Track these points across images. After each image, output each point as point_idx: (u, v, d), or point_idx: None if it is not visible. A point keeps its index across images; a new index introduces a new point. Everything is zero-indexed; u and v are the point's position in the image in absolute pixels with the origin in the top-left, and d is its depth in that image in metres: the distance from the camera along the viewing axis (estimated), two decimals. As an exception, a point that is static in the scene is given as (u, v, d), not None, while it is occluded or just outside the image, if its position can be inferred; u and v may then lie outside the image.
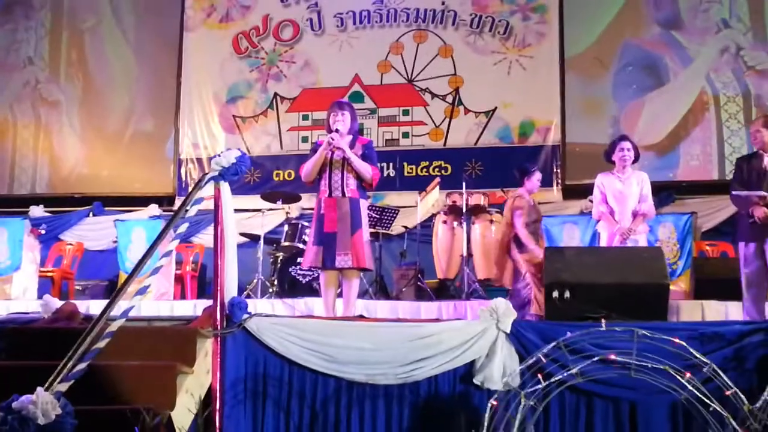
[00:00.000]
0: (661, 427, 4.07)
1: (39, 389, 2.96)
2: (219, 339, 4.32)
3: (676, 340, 3.44)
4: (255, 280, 8.10)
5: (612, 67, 10.14)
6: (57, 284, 8.91)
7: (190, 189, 4.43)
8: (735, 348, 4.01)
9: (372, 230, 8.30)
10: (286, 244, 8.27)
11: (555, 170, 9.96)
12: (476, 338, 4.25)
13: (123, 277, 8.43)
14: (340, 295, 5.88)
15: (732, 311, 6.41)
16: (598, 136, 9.66)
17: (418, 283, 8.03)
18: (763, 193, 5.64)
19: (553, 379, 3.62)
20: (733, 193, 5.88)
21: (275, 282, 8.00)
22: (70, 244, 9.69)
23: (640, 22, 10.21)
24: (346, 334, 4.37)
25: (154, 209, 10.27)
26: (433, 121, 10.45)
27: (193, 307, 7.12)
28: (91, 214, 10.59)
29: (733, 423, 3.00)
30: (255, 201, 9.20)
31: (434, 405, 4.30)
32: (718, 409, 3.04)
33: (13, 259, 8.49)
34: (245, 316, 4.39)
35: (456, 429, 4.20)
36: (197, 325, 4.42)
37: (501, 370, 4.16)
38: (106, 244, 9.90)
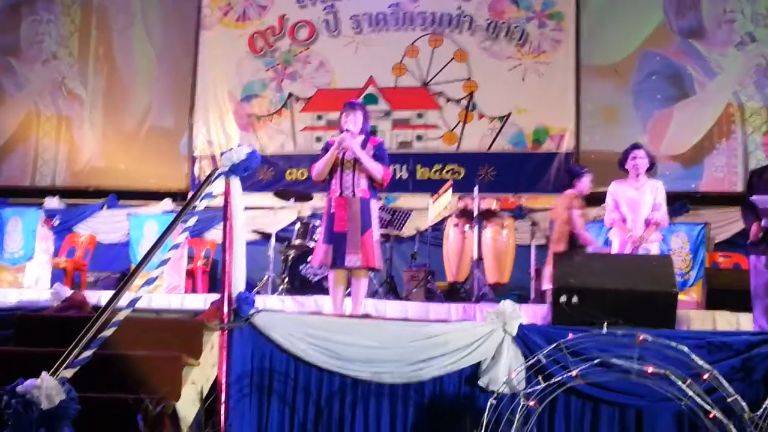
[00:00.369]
0: (666, 434, 4.06)
1: (44, 374, 2.98)
2: (225, 332, 4.35)
3: (676, 344, 3.41)
4: (266, 278, 8.12)
5: (631, 76, 10.08)
6: (69, 275, 8.98)
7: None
8: (743, 358, 3.98)
9: (384, 231, 8.32)
10: (298, 242, 8.29)
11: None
12: (483, 340, 4.25)
13: (143, 273, 8.46)
14: (349, 294, 5.90)
15: (743, 322, 6.36)
16: (614, 144, 9.58)
17: (428, 285, 8.03)
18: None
19: (552, 381, 3.60)
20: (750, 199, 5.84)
21: (286, 280, 8.01)
22: (84, 236, 9.75)
23: (660, 31, 10.14)
24: (353, 331, 4.38)
25: (167, 204, 10.32)
26: (446, 125, 10.44)
27: (203, 302, 7.15)
28: (105, 207, 10.64)
29: (734, 430, 2.98)
30: (267, 198, 9.25)
31: (439, 405, 4.30)
32: (719, 416, 3.03)
33: (26, 248, 8.57)
34: (252, 310, 4.41)
35: (460, 430, 4.19)
36: (204, 318, 4.44)
37: (507, 372, 4.15)
38: (119, 237, 9.94)
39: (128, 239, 9.11)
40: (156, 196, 10.57)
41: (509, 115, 10.28)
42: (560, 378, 3.68)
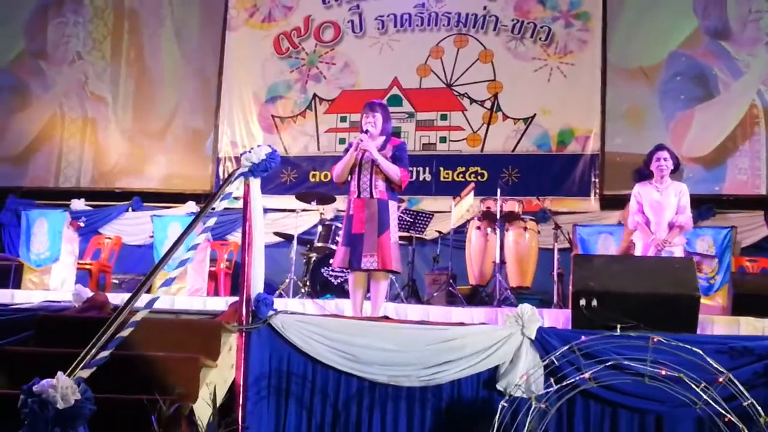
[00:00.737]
0: (687, 441, 4.00)
1: (59, 374, 3.00)
2: (244, 334, 4.36)
3: (690, 347, 3.36)
4: (287, 280, 8.13)
5: (658, 76, 9.97)
6: (94, 277, 9.05)
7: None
8: (765, 363, 3.91)
9: (405, 234, 8.31)
10: (320, 244, 8.28)
11: (593, 180, 9.84)
12: (501, 343, 4.22)
13: (162, 273, 8.52)
14: (369, 297, 5.89)
15: (769, 328, 6.26)
16: (640, 146, 9.48)
17: (450, 288, 7.99)
18: None
19: (564, 383, 3.56)
20: None
21: (307, 282, 8.02)
22: (109, 238, 9.85)
23: (687, 31, 10.03)
24: (370, 334, 4.37)
25: (191, 206, 10.38)
26: (470, 127, 10.39)
27: (225, 304, 7.14)
28: (130, 209, 10.74)
29: (750, 435, 2.94)
30: (290, 201, 9.27)
31: (457, 409, 4.27)
32: (734, 420, 2.97)
33: (52, 250, 8.66)
34: (270, 312, 4.42)
35: (477, 433, 4.16)
36: (223, 320, 4.45)
37: (526, 377, 4.11)
38: (144, 239, 10.02)
39: (152, 241, 9.16)
40: (181, 198, 10.64)
41: (534, 116, 10.21)
42: (573, 380, 3.63)
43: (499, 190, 8.06)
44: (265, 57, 11.16)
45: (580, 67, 10.17)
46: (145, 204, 10.74)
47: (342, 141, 10.52)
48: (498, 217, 7.99)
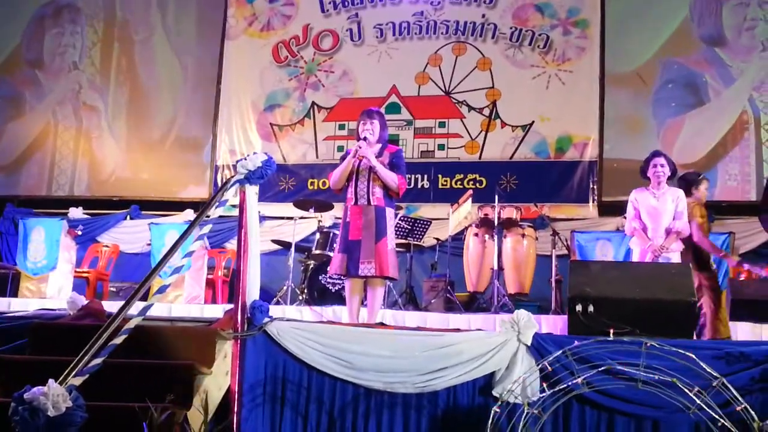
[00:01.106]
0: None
1: (51, 381, 2.98)
2: (239, 341, 4.34)
3: (683, 352, 3.35)
4: (285, 287, 8.12)
5: (654, 84, 10.00)
6: (92, 285, 9.05)
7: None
8: (762, 369, 3.89)
9: (403, 241, 8.30)
10: (317, 252, 8.28)
11: (591, 186, 9.84)
12: (497, 350, 4.20)
13: (158, 281, 8.52)
14: (366, 303, 5.87)
15: (767, 334, 6.26)
16: (637, 152, 9.50)
17: (448, 295, 7.98)
18: None
19: (557, 388, 3.54)
20: (762, 216, 5.78)
21: (305, 289, 8.01)
22: (106, 246, 9.85)
23: (683, 39, 10.05)
24: (366, 341, 4.35)
25: (189, 214, 10.37)
26: (469, 134, 10.40)
27: (222, 312, 7.15)
28: (128, 218, 10.74)
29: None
30: (288, 209, 9.26)
31: (452, 416, 4.25)
32: (728, 425, 2.96)
33: (49, 258, 8.66)
34: (266, 319, 4.41)
35: (473, 440, 4.14)
36: (218, 327, 4.43)
37: (521, 382, 4.09)
38: (141, 247, 10.01)
39: (150, 249, 9.15)
40: (179, 206, 10.64)
41: (532, 123, 10.22)
42: (566, 385, 3.62)
43: (497, 197, 8.06)
44: (263, 65, 11.18)
45: (578, 75, 10.19)
46: (143, 212, 10.73)
47: (341, 149, 10.53)
48: (496, 223, 7.98)
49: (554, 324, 6.71)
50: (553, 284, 7.91)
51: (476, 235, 8.28)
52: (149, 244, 9.26)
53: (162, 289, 4.06)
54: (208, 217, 4.22)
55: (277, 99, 11.06)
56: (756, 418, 3.13)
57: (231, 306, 4.58)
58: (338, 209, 8.76)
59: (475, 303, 8.16)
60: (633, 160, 9.18)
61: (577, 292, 4.49)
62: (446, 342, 4.29)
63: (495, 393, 4.15)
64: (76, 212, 10.59)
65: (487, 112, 10.42)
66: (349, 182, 5.64)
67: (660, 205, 6.26)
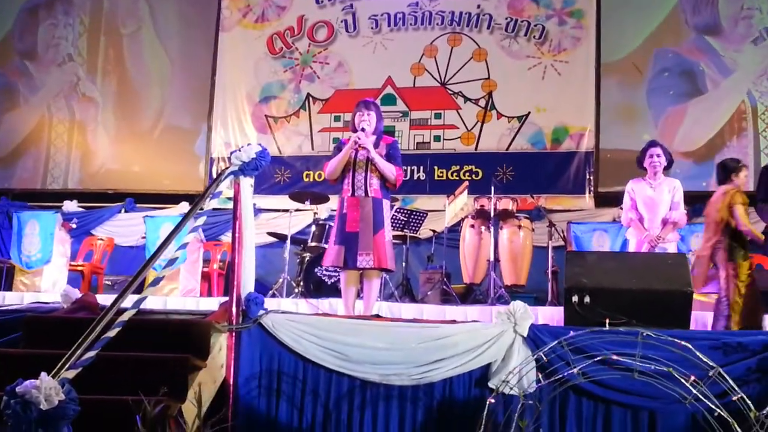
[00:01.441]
0: (681, 438, 3.97)
1: (43, 374, 2.96)
2: (234, 334, 4.32)
3: (680, 341, 3.34)
4: (281, 280, 8.10)
5: (647, 72, 9.98)
6: (87, 278, 9.01)
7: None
8: (759, 359, 3.88)
9: (400, 233, 8.28)
10: (313, 244, 8.26)
11: (588, 177, 9.82)
12: (492, 341, 4.18)
13: (152, 273, 8.49)
14: (361, 296, 5.85)
15: (764, 325, 6.23)
16: (632, 142, 9.50)
17: (444, 287, 7.96)
18: None
19: (552, 378, 3.53)
20: (759, 206, 5.77)
21: (301, 282, 7.99)
22: (101, 239, 9.80)
23: (677, 28, 10.05)
24: (361, 333, 4.33)
25: (185, 207, 10.32)
26: (465, 125, 10.37)
27: (217, 304, 7.13)
28: (123, 211, 10.70)
29: (739, 429, 2.91)
30: (284, 201, 9.23)
31: (448, 408, 4.23)
32: (724, 415, 2.95)
33: (44, 252, 8.61)
34: (261, 312, 4.38)
35: (470, 432, 4.13)
36: (213, 320, 4.41)
37: (517, 373, 4.08)
38: (136, 240, 9.98)
39: (145, 242, 9.11)
40: (173, 198, 10.60)
41: (528, 114, 10.19)
42: (562, 375, 3.60)
43: (493, 189, 8.03)
44: (258, 57, 11.14)
45: (574, 65, 10.17)
46: (138, 205, 10.69)
47: (336, 140, 10.45)
48: (492, 215, 7.96)
49: (551, 315, 6.69)
50: (550, 275, 7.89)
51: (472, 226, 8.26)
52: (144, 237, 9.22)
53: (156, 282, 4.04)
54: (202, 209, 4.19)
55: (272, 91, 11.02)
56: (753, 408, 3.11)
57: (226, 299, 4.56)
58: (334, 201, 8.74)
59: (471, 295, 8.15)
60: (628, 150, 9.20)
61: (574, 282, 4.48)
62: (442, 334, 4.27)
63: (491, 385, 4.13)
64: (71, 205, 10.54)
65: (482, 103, 10.39)
66: (346, 173, 5.59)
67: (656, 195, 6.25)
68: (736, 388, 3.15)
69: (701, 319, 6.55)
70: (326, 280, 7.94)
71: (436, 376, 4.20)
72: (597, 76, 10.07)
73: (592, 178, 9.81)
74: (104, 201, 10.90)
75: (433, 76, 10.59)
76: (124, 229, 10.33)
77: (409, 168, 10.05)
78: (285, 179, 10.58)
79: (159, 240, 8.74)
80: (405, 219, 8.38)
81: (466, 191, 8.45)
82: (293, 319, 4.43)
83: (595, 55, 10.13)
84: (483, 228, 8.15)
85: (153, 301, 7.09)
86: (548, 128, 10.10)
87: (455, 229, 8.72)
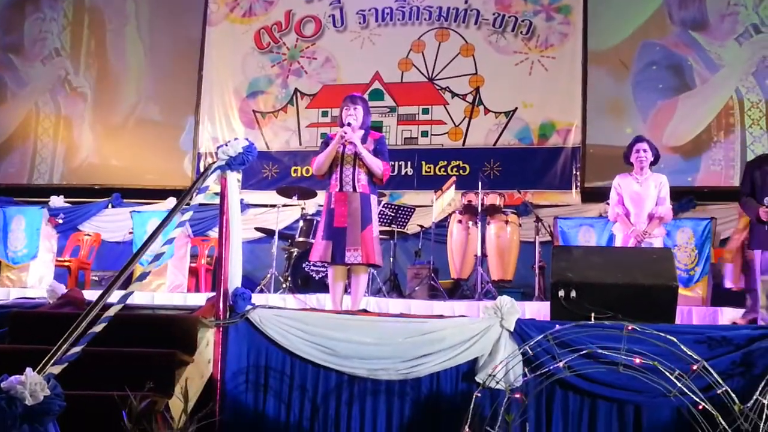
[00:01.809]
0: (666, 431, 3.99)
1: (28, 370, 2.95)
2: (221, 329, 4.32)
3: (664, 335, 3.36)
4: (269, 275, 8.09)
5: (633, 66, 10.01)
6: (74, 274, 8.98)
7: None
8: (743, 353, 3.91)
9: (387, 228, 8.29)
10: (301, 239, 8.25)
11: (574, 172, 9.85)
12: (480, 336, 4.19)
13: (138, 268, 8.46)
14: (349, 291, 5.85)
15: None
16: (619, 138, 9.55)
17: (432, 282, 7.98)
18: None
19: (538, 372, 3.55)
20: (742, 200, 5.82)
21: (288, 277, 7.99)
22: (88, 235, 9.76)
23: (663, 23, 10.06)
24: (349, 327, 4.33)
25: (172, 202, 10.28)
26: (452, 121, 10.38)
27: (205, 300, 7.12)
28: (110, 206, 10.66)
29: (723, 422, 2.93)
30: (271, 196, 9.22)
31: (436, 402, 4.24)
32: (708, 408, 2.97)
33: (30, 247, 8.55)
34: (248, 307, 4.38)
35: (457, 427, 4.14)
36: (200, 315, 4.41)
37: (504, 367, 4.09)
38: (123, 236, 9.93)
39: (132, 237, 9.07)
40: (160, 194, 10.56)
41: (515, 109, 10.21)
42: (548, 369, 3.62)
43: (480, 184, 8.05)
44: (245, 52, 11.10)
45: (561, 61, 10.18)
46: (125, 200, 10.65)
47: (324, 136, 10.42)
48: (479, 210, 7.98)
49: (538, 310, 6.72)
50: (537, 270, 7.92)
51: (460, 221, 8.28)
52: (131, 233, 9.16)
53: (142, 277, 4.03)
54: (188, 203, 4.18)
55: (259, 86, 11.00)
56: (737, 401, 3.14)
57: (213, 294, 4.56)
58: (322, 196, 8.72)
59: (458, 290, 8.16)
60: (614, 146, 9.24)
61: (560, 277, 4.49)
62: (429, 328, 4.28)
63: (478, 379, 4.15)
64: (57, 201, 10.48)
65: (470, 98, 10.40)
66: (334, 168, 5.59)
67: (643, 190, 6.28)
68: (721, 382, 3.18)
69: (687, 313, 6.60)
70: (314, 275, 7.94)
71: (423, 370, 4.21)
72: (584, 72, 10.08)
73: (578, 173, 9.83)
74: (90, 196, 10.85)
75: (420, 72, 10.58)
76: (111, 224, 10.28)
77: (396, 163, 10.06)
78: (273, 174, 10.56)
79: (146, 235, 8.70)
80: (392, 214, 8.39)
81: (453, 186, 8.46)
82: (280, 314, 4.43)
83: (582, 51, 10.15)
84: (470, 223, 8.18)
85: (140, 297, 7.07)
86: (535, 124, 10.12)
87: (443, 225, 8.73)
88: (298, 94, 10.86)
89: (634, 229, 6.16)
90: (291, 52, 10.99)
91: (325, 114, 10.70)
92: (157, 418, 3.56)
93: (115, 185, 10.92)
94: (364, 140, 5.63)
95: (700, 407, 3.16)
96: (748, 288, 6.18)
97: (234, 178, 4.50)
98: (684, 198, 9.01)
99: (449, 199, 8.47)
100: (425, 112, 10.49)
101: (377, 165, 5.53)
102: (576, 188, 9.81)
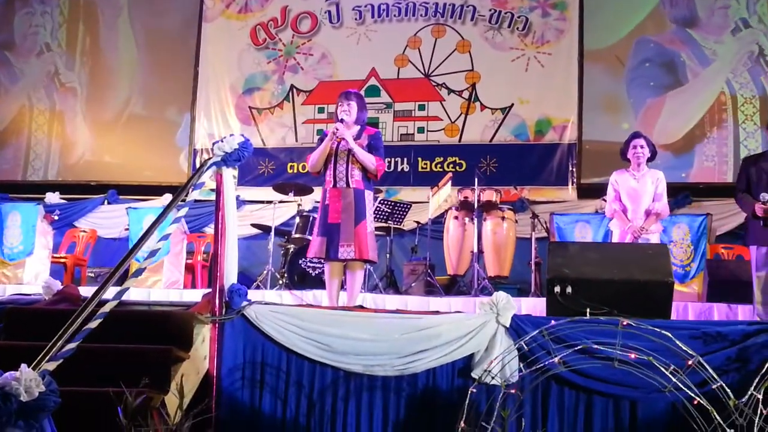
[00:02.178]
0: (661, 426, 3.99)
1: (23, 366, 2.95)
2: (217, 325, 4.32)
3: (659, 330, 3.36)
4: (265, 272, 8.09)
5: (628, 63, 10.02)
6: (69, 270, 8.96)
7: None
8: (738, 348, 3.92)
9: (383, 224, 8.29)
10: (297, 236, 8.25)
11: (571, 169, 9.85)
12: (475, 331, 4.20)
13: (135, 265, 8.45)
14: (345, 287, 5.85)
15: (742, 315, 6.30)
16: (614, 134, 9.57)
17: (428, 278, 7.98)
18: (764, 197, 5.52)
19: (534, 368, 3.55)
20: (738, 196, 5.83)
21: (285, 274, 7.98)
22: (84, 231, 9.75)
23: (657, 19, 10.07)
24: (345, 324, 4.33)
25: (168, 198, 10.24)
26: (448, 117, 10.38)
27: (201, 296, 7.11)
28: (106, 202, 10.64)
29: (718, 417, 2.94)
30: (268, 192, 9.22)
31: (432, 398, 4.25)
32: (703, 403, 2.98)
33: (25, 244, 8.54)
34: (244, 303, 4.38)
35: (453, 422, 4.14)
36: (196, 311, 4.40)
37: (500, 363, 4.10)
38: (119, 232, 9.93)
39: (128, 234, 9.06)
40: (156, 190, 10.54)
41: (511, 106, 10.21)
42: (543, 365, 3.63)
43: (476, 180, 8.05)
44: (241, 48, 11.09)
45: (557, 57, 10.18)
46: (120, 197, 10.64)
47: (320, 132, 10.47)
48: (476, 206, 7.98)
49: (534, 306, 6.72)
50: (533, 267, 7.93)
51: (456, 218, 8.28)
52: (127, 229, 9.16)
53: (138, 273, 4.02)
54: (184, 199, 4.18)
55: (255, 82, 10.98)
56: (732, 396, 3.15)
57: (209, 290, 4.55)
58: (318, 193, 8.73)
59: (455, 286, 8.16)
60: (610, 142, 9.25)
61: (556, 273, 4.50)
62: (425, 324, 4.28)
63: (474, 375, 4.15)
64: (53, 197, 10.46)
65: (466, 94, 10.40)
66: (328, 165, 5.60)
67: (640, 186, 6.28)
68: (716, 377, 3.18)
69: (682, 309, 6.61)
70: (310, 271, 7.94)
71: (419, 366, 4.21)
72: (580, 68, 10.08)
73: (574, 169, 9.84)
74: (86, 193, 10.83)
75: (417, 68, 10.58)
76: (107, 220, 10.27)
77: (393, 159, 10.06)
78: (269, 171, 10.56)
79: (142, 232, 8.69)
80: (389, 210, 8.38)
81: (449, 183, 8.46)
82: (276, 310, 4.43)
83: (578, 47, 10.15)
84: (467, 219, 8.18)
85: (136, 293, 7.06)
86: (531, 120, 10.12)
87: (439, 221, 8.73)
88: (294, 90, 10.85)
89: (631, 225, 6.16)
90: (287, 49, 10.98)
91: (321, 110, 10.70)
92: (152, 415, 3.56)
93: (111, 182, 10.91)
94: (359, 136, 5.62)
95: (695, 402, 3.16)
96: None
97: (230, 174, 4.50)
98: (680, 194, 9.01)
99: (445, 195, 8.47)
100: (421, 108, 10.48)
101: (370, 160, 5.52)
102: (572, 184, 9.81)
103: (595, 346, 3.63)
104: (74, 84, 11.41)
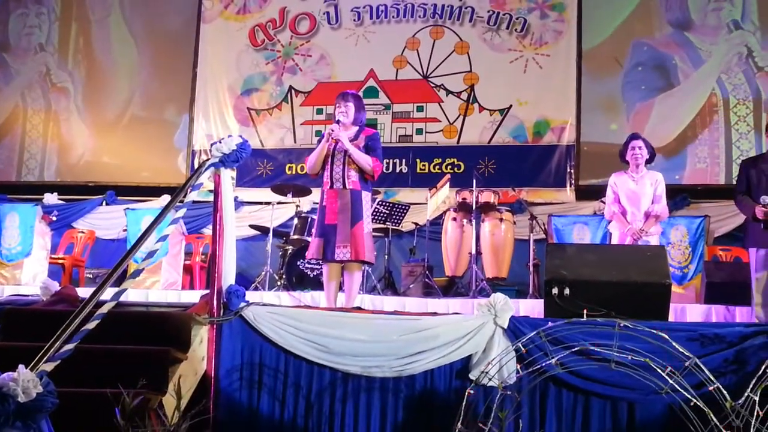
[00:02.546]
0: (658, 428, 4.00)
1: (21, 367, 2.95)
2: (215, 326, 4.32)
3: (656, 332, 3.37)
4: (263, 273, 8.09)
5: (625, 65, 10.03)
6: (68, 271, 8.95)
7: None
8: (736, 350, 3.93)
9: (382, 226, 8.29)
10: (296, 237, 8.25)
11: (569, 170, 9.85)
12: (473, 333, 4.20)
13: (132, 266, 8.44)
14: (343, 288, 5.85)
15: (740, 317, 6.31)
16: (612, 136, 9.58)
17: (426, 280, 7.98)
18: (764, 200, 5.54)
19: (531, 369, 3.56)
20: (737, 198, 5.85)
21: (283, 275, 7.98)
22: (82, 232, 9.74)
23: (652, 21, 10.07)
24: (342, 325, 4.34)
25: (166, 200, 10.22)
26: (447, 118, 10.38)
27: (199, 297, 7.11)
28: (104, 203, 10.64)
29: (715, 419, 2.94)
30: (266, 194, 9.22)
31: (429, 399, 4.26)
32: (700, 405, 2.98)
33: (24, 245, 8.53)
34: (242, 304, 4.38)
35: (450, 423, 4.14)
36: (194, 312, 4.41)
37: (497, 365, 4.10)
38: (117, 233, 9.91)
39: (126, 235, 9.05)
40: (154, 191, 10.54)
41: (510, 107, 10.21)
42: (540, 366, 3.63)
43: (475, 182, 8.05)
44: (240, 49, 11.08)
45: (555, 58, 10.18)
46: (119, 198, 10.63)
47: (318, 133, 10.47)
48: (474, 208, 7.98)
49: (532, 308, 6.72)
50: (531, 268, 7.92)
51: (454, 219, 8.28)
52: (125, 230, 9.15)
53: (136, 274, 4.02)
54: (182, 200, 4.18)
55: (254, 83, 10.98)
56: (728, 398, 3.15)
57: (207, 291, 4.55)
58: (316, 194, 8.73)
59: (453, 287, 8.16)
60: (608, 144, 9.27)
61: (554, 275, 4.50)
62: (423, 326, 4.29)
63: (472, 376, 4.16)
64: (51, 198, 10.45)
65: (464, 96, 10.40)
66: (325, 166, 5.61)
67: (639, 188, 6.29)
68: (713, 379, 3.19)
69: (680, 311, 6.61)
70: (309, 272, 7.94)
71: (417, 368, 4.22)
72: (578, 70, 10.09)
73: (573, 171, 9.84)
74: (84, 194, 10.81)
75: (415, 69, 10.58)
76: (105, 221, 10.26)
77: (391, 161, 10.07)
78: (267, 172, 10.56)
79: (140, 233, 8.68)
80: (387, 212, 8.39)
81: (447, 184, 8.47)
82: (274, 312, 4.43)
83: (576, 49, 10.15)
84: (465, 221, 8.18)
85: (134, 294, 7.06)
86: (530, 121, 10.12)
87: (437, 222, 8.73)
88: (293, 91, 10.85)
89: (630, 228, 6.16)
90: (285, 50, 10.98)
91: (319, 111, 10.70)
92: (150, 416, 3.56)
93: (109, 183, 10.90)
94: (357, 137, 5.63)
95: (692, 404, 3.17)
96: None
97: (228, 175, 4.50)
98: (678, 196, 9.02)
99: (444, 196, 8.48)
100: (420, 109, 10.48)
101: (366, 161, 5.53)
102: (570, 186, 9.81)
103: (593, 348, 3.63)
104: (66, 84, 11.39)
